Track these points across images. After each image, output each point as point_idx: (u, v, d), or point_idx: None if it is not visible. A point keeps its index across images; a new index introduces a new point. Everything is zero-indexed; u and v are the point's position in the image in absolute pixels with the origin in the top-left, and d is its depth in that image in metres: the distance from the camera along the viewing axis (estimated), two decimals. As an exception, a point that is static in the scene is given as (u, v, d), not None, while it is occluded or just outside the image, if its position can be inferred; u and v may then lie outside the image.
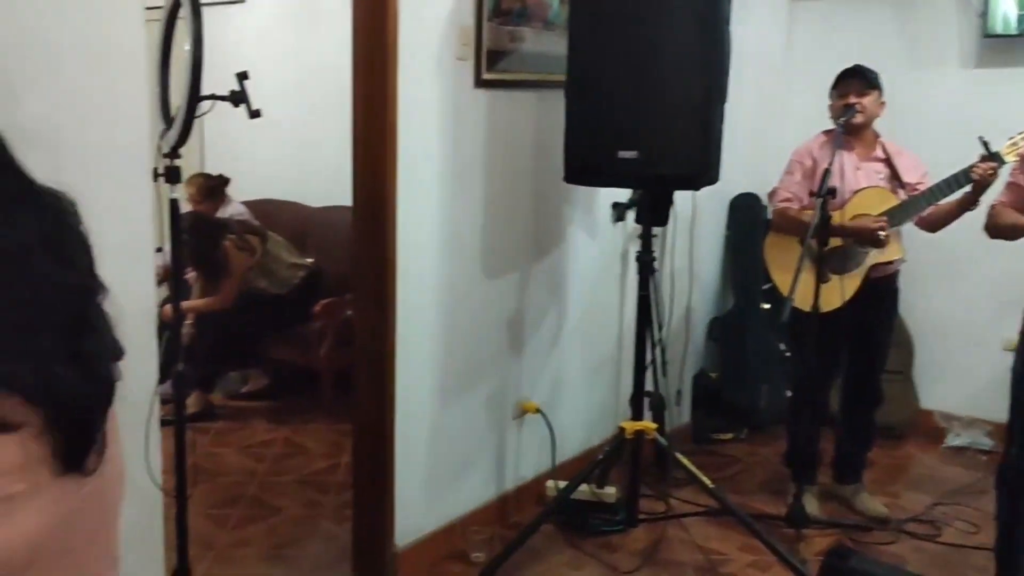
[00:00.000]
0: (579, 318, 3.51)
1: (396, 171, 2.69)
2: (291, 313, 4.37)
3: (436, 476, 2.99)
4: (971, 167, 2.94)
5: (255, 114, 1.90)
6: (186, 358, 2.07)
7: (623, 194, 3.48)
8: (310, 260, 4.60)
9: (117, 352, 1.18)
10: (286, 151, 4.98)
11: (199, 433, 3.91)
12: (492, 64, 2.94)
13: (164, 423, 2.03)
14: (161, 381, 1.99)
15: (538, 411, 3.31)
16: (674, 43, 2.70)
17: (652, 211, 3.04)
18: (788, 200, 3.29)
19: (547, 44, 3.11)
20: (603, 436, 3.62)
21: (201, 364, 4.14)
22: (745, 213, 4.29)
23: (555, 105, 2.92)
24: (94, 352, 1.11)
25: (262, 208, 4.99)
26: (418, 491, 2.93)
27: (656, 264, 3.08)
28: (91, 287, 1.13)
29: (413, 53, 2.67)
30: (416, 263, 2.80)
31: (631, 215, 3.43)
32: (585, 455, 3.55)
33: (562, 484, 3.15)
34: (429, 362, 2.91)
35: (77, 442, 1.10)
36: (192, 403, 4.04)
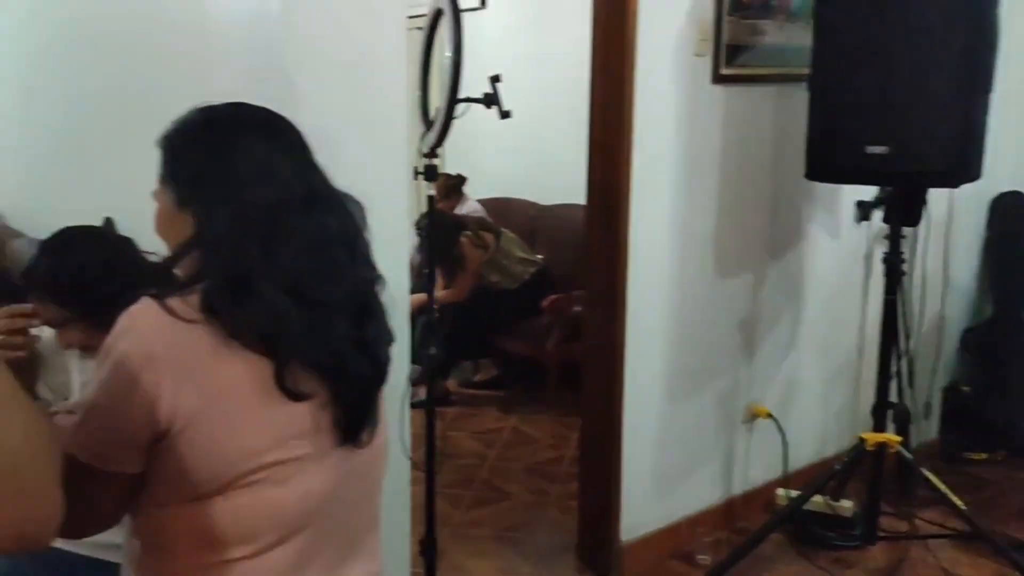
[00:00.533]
0: (816, 321, 3.37)
1: (631, 169, 2.70)
2: (521, 307, 4.52)
3: (663, 474, 2.98)
4: None
5: (505, 115, 2.00)
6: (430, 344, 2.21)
7: (867, 191, 3.29)
8: (540, 257, 4.73)
9: (389, 338, 1.30)
10: (519, 150, 5.15)
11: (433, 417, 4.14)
12: (731, 59, 2.89)
13: (411, 405, 2.18)
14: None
15: (770, 416, 3.21)
16: (932, 29, 2.51)
17: (902, 210, 2.85)
18: (1063, 199, 2.97)
19: (789, 36, 3.00)
20: (839, 446, 3.44)
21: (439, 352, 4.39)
22: (1009, 213, 3.91)
23: (797, 99, 2.81)
24: (374, 337, 1.23)
25: (494, 205, 5.20)
26: (644, 488, 2.93)
27: (905, 267, 2.89)
28: (374, 279, 1.26)
29: (651, 50, 2.68)
30: (648, 261, 2.80)
31: (877, 214, 3.24)
32: (818, 464, 3.40)
33: (793, 493, 3.04)
34: (658, 360, 2.91)
35: (355, 417, 1.23)
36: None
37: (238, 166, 1.15)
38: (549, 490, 3.51)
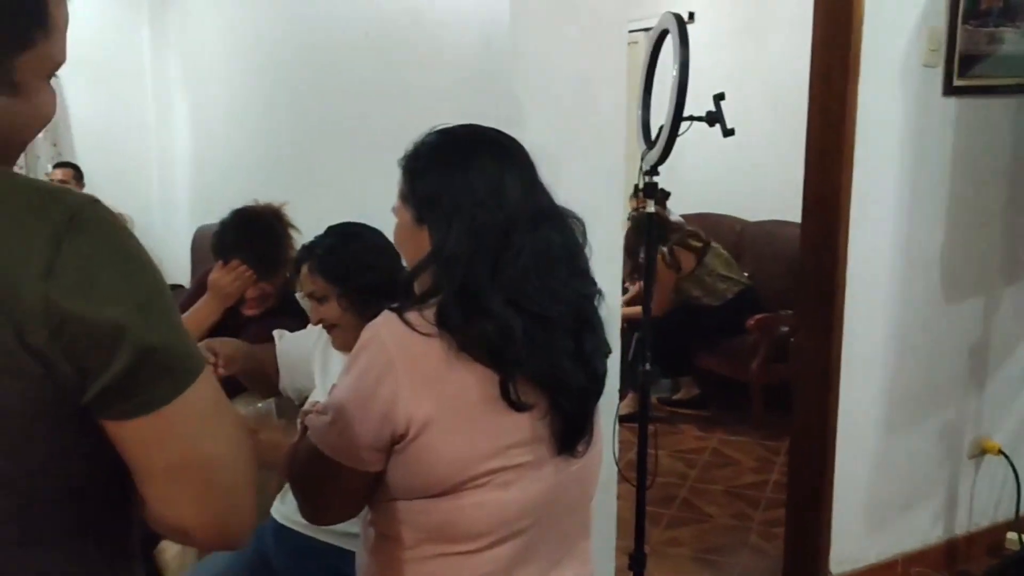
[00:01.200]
0: (1058, 352, 3.07)
1: (851, 185, 2.59)
2: (724, 325, 4.42)
3: (878, 507, 2.82)
4: None
5: (729, 133, 1.99)
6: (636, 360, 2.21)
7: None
8: (745, 275, 4.61)
9: (607, 350, 1.33)
10: (725, 165, 5.05)
11: (634, 432, 4.13)
12: (965, 69, 2.71)
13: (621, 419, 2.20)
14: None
15: (1000, 452, 2.96)
16: None
17: None
18: None
19: (1032, 43, 2.78)
20: (1081, 490, 3.12)
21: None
22: None
23: (1041, 111, 2.60)
24: (592, 350, 1.27)
25: (699, 221, 5.12)
26: (857, 520, 2.79)
27: None
28: (592, 294, 1.30)
29: (875, 61, 2.56)
30: (867, 282, 2.67)
31: None
32: (1057, 509, 3.09)
33: (1028, 538, 2.79)
34: (876, 387, 2.76)
35: (572, 428, 1.27)
36: (629, 404, 4.29)
37: (472, 186, 1.21)
38: (751, 514, 3.41)
